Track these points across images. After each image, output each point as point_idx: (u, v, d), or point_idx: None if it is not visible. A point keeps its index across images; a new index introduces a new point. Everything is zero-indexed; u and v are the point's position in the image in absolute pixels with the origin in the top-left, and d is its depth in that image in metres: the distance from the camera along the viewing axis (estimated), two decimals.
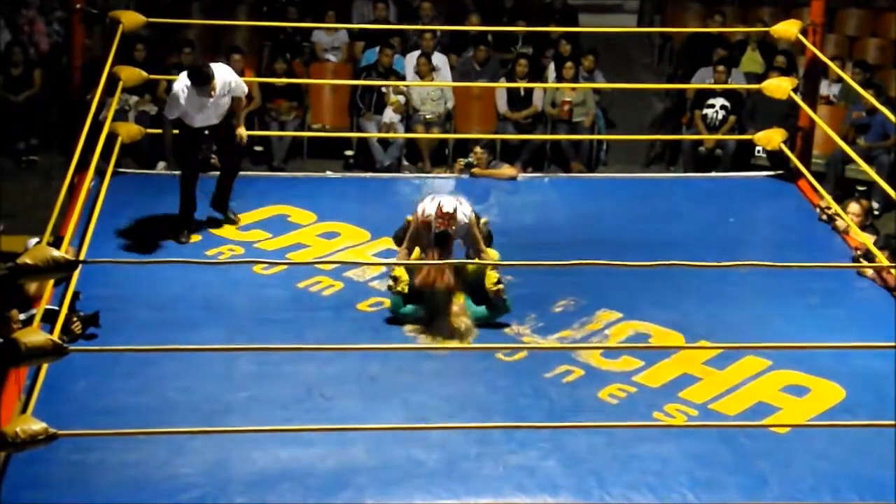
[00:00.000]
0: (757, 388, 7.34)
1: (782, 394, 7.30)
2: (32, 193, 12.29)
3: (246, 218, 9.33)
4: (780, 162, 10.45)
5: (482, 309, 7.92)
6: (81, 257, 7.24)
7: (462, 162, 10.41)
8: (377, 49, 13.52)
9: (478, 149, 10.43)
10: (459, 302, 7.81)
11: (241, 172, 9.19)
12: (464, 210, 7.90)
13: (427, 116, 13.31)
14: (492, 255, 8.07)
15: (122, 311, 7.79)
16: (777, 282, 8.45)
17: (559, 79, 13.32)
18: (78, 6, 9.49)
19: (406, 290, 7.89)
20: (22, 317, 7.15)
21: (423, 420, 6.89)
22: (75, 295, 7.14)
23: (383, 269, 8.52)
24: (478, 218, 8.21)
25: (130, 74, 9.45)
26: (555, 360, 7.53)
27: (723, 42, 14.17)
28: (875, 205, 12.13)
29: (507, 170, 10.45)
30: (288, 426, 6.73)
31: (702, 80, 13.43)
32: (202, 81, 8.51)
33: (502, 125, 13.47)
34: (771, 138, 10.02)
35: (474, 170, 10.28)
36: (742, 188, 10.37)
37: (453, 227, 7.80)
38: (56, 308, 6.95)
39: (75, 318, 7.41)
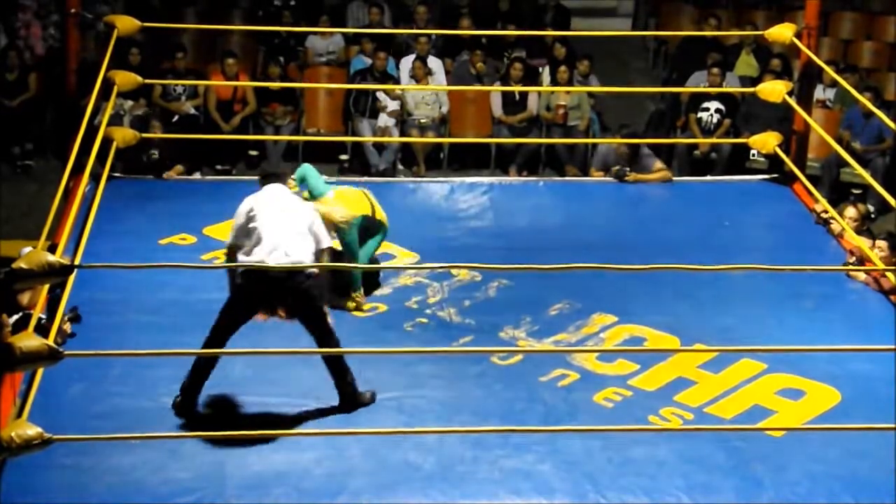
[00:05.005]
0: (752, 392, 7.34)
1: (778, 397, 7.30)
2: (28, 198, 12.29)
3: None
4: (776, 165, 10.45)
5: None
6: (77, 262, 7.23)
7: (615, 169, 10.35)
8: (364, 53, 13.59)
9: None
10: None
11: (237, 177, 9.16)
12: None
13: (422, 120, 13.32)
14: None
15: (117, 315, 7.80)
16: (772, 285, 8.45)
17: (554, 83, 13.33)
18: (73, 11, 9.49)
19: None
20: (12, 319, 7.16)
21: (418, 424, 6.89)
22: (57, 298, 7.14)
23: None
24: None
25: (125, 79, 9.45)
26: (550, 363, 7.53)
27: (717, 45, 14.18)
28: (870, 208, 12.15)
29: (658, 173, 10.34)
30: (283, 430, 6.73)
31: (696, 84, 13.44)
32: None
33: (497, 129, 13.48)
34: (766, 142, 10.03)
35: (628, 176, 10.23)
36: (737, 192, 10.37)
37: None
38: (42, 315, 6.95)
39: (67, 319, 7.43)
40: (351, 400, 7.01)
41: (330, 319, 6.95)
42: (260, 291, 6.85)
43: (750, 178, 10.93)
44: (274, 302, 6.89)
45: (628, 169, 10.24)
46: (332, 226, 7.97)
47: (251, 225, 6.90)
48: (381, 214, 8.35)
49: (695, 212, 9.84)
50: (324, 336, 6.91)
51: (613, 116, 14.20)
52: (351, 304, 8.11)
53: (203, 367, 6.90)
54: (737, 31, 14.37)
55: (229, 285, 7.03)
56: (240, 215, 6.99)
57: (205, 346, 6.85)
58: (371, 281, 8.41)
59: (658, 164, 10.43)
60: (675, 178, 10.63)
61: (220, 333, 6.87)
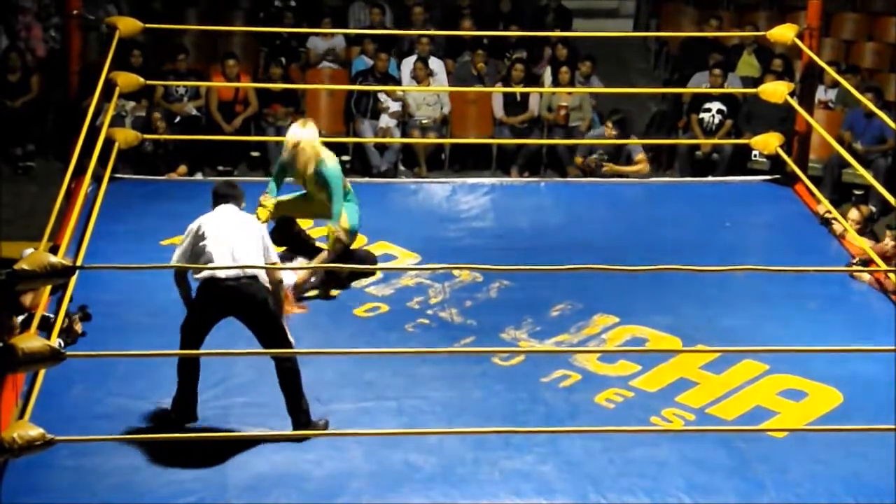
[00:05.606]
0: (754, 393, 7.33)
1: (780, 398, 7.29)
2: (29, 199, 12.29)
3: None
4: (778, 166, 10.45)
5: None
6: (78, 263, 7.24)
7: (592, 159, 10.30)
8: (366, 54, 13.60)
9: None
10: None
11: (239, 178, 9.16)
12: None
13: (423, 121, 13.32)
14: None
15: (119, 316, 7.80)
16: (774, 286, 8.44)
17: (555, 84, 13.34)
18: (75, 12, 9.50)
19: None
20: (18, 320, 7.18)
21: (419, 425, 6.89)
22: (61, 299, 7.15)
23: (380, 274, 8.53)
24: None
25: (127, 80, 9.46)
26: (551, 364, 7.52)
27: (719, 46, 14.18)
28: (873, 209, 12.14)
29: (637, 165, 10.28)
30: (283, 431, 6.73)
31: (698, 85, 13.44)
32: None
33: (498, 130, 13.48)
34: (767, 143, 10.03)
35: (605, 167, 10.19)
36: (738, 192, 10.37)
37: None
38: (50, 315, 6.96)
39: (77, 318, 7.44)
40: (303, 428, 6.77)
41: (291, 338, 6.84)
42: (218, 301, 6.75)
43: (751, 179, 10.92)
44: (231, 310, 6.79)
45: (606, 157, 10.24)
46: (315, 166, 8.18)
47: (201, 244, 6.83)
48: (348, 186, 8.48)
49: (696, 213, 9.83)
50: (281, 346, 6.76)
51: None
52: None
53: (186, 375, 6.84)
54: (738, 32, 14.37)
55: (185, 302, 6.95)
56: (188, 235, 6.92)
57: (178, 364, 6.82)
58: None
59: (641, 154, 10.45)
60: (676, 179, 10.64)
61: (188, 348, 6.79)
